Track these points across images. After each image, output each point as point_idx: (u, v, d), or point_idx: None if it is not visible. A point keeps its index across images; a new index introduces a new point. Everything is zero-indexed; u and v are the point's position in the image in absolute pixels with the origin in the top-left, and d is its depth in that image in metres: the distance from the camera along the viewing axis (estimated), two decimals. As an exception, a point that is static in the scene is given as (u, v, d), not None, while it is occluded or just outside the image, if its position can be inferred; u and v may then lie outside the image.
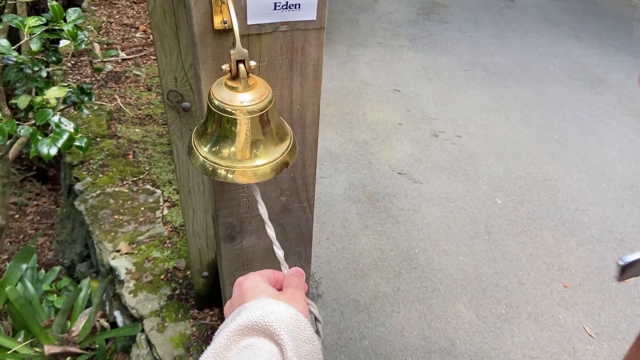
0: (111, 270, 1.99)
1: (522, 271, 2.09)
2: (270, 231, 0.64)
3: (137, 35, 3.86)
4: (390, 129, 3.04)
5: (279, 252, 0.64)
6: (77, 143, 1.64)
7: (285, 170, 0.63)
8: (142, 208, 2.22)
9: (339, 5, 4.68)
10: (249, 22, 0.62)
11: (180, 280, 1.92)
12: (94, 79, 3.24)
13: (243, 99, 0.56)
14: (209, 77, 0.66)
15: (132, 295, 1.86)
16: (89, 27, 3.80)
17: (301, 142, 0.79)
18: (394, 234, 2.27)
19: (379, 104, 3.28)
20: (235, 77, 0.56)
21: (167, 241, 2.06)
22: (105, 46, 3.65)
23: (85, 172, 2.40)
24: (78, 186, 2.34)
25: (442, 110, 3.25)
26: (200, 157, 0.59)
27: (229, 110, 0.56)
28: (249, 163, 0.59)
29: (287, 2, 0.62)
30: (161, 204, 2.24)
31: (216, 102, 0.57)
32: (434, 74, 3.68)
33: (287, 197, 0.84)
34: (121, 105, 2.95)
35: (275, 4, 0.62)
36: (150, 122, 2.85)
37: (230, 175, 0.59)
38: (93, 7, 4.19)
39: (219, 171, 0.59)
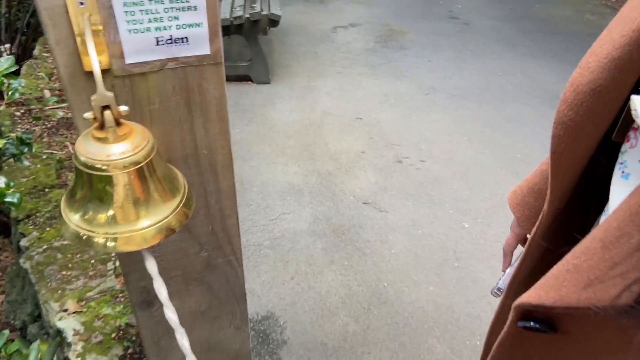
0: (58, 332, 1.84)
1: (494, 297, 2.00)
2: (171, 314, 0.55)
3: (91, 79, 3.77)
4: (353, 158, 2.98)
5: (182, 341, 0.54)
6: (8, 199, 1.52)
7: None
8: (93, 261, 2.08)
9: (297, 37, 4.69)
10: (128, 61, 0.54)
11: (134, 338, 1.78)
12: (44, 126, 3.11)
13: (115, 151, 0.48)
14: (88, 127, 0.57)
15: (79, 359, 1.71)
16: (40, 74, 3.69)
17: (215, 191, 0.70)
18: (361, 267, 2.17)
19: (341, 133, 3.23)
20: (102, 126, 0.48)
21: (120, 295, 1.93)
22: (57, 92, 3.53)
23: (32, 227, 2.26)
24: (23, 242, 2.19)
25: (404, 136, 3.21)
26: (72, 226, 0.50)
27: (99, 166, 0.48)
28: (134, 226, 0.50)
29: (171, 36, 0.54)
30: (112, 254, 2.11)
31: (82, 159, 0.48)
32: (395, 100, 3.67)
33: (208, 252, 0.75)
34: (73, 152, 2.82)
35: (157, 38, 0.54)
36: (102, 168, 2.73)
37: (111, 244, 0.50)
38: (45, 54, 4.08)
39: (96, 240, 0.50)
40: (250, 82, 3.79)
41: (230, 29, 3.51)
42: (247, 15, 3.45)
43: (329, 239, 2.34)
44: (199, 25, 0.54)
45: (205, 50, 0.57)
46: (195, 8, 0.52)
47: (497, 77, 4.08)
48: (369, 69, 4.15)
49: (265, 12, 3.50)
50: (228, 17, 3.43)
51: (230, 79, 3.76)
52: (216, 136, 0.65)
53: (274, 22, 3.55)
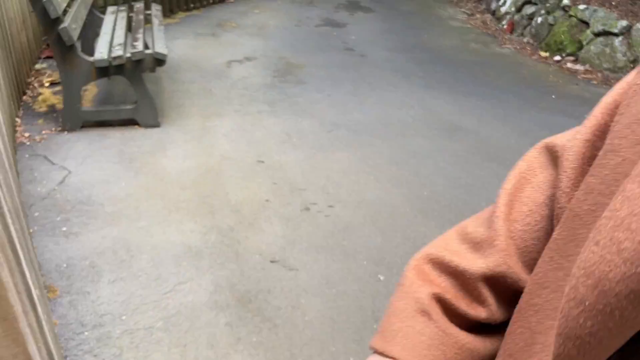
0: None
1: (419, 363, 1.85)
2: None
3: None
4: (257, 208, 2.74)
5: None
6: None
7: None
8: None
9: (189, 73, 4.39)
10: None
11: None
12: None
13: None
14: None
15: None
16: None
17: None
18: (272, 342, 1.92)
19: (242, 180, 2.98)
20: None
21: None
22: None
23: None
24: None
25: (310, 179, 3.04)
26: None
27: None
28: None
29: None
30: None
31: None
32: (297, 139, 3.50)
33: None
34: None
35: None
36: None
37: None
38: None
39: None
40: (137, 126, 3.43)
41: (110, 70, 3.14)
42: (128, 55, 3.11)
43: (234, 310, 2.06)
44: None
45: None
46: None
47: (396, 110, 4.08)
48: (268, 105, 3.96)
49: (149, 51, 3.18)
50: (106, 57, 3.06)
51: (113, 124, 3.37)
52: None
53: (159, 61, 3.24)
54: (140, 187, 2.82)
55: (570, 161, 0.42)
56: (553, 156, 0.47)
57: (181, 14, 5.92)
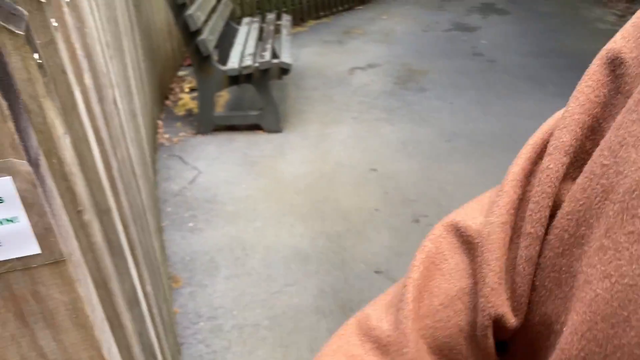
0: None
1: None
2: None
3: None
4: (365, 216, 2.76)
5: None
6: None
7: None
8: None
9: (313, 80, 4.55)
10: None
11: None
12: None
13: None
14: None
15: None
16: None
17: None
18: (370, 354, 1.92)
19: (353, 187, 3.02)
20: None
21: None
22: None
23: None
24: None
25: (422, 190, 2.98)
26: None
27: None
28: None
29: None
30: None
31: None
32: (413, 148, 3.45)
33: None
34: None
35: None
36: None
37: None
38: None
39: None
40: (261, 131, 3.64)
41: (240, 79, 3.38)
42: (256, 65, 3.32)
43: (335, 316, 2.10)
44: (12, 221, 0.36)
45: (32, 249, 0.39)
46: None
47: (524, 120, 3.82)
48: (386, 113, 3.95)
49: (275, 61, 3.36)
50: (236, 67, 3.31)
51: (240, 128, 3.63)
52: (77, 347, 0.46)
53: (285, 70, 3.41)
54: (259, 190, 2.99)
55: (492, 251, 0.37)
56: (464, 240, 0.41)
57: (311, 22, 6.16)
